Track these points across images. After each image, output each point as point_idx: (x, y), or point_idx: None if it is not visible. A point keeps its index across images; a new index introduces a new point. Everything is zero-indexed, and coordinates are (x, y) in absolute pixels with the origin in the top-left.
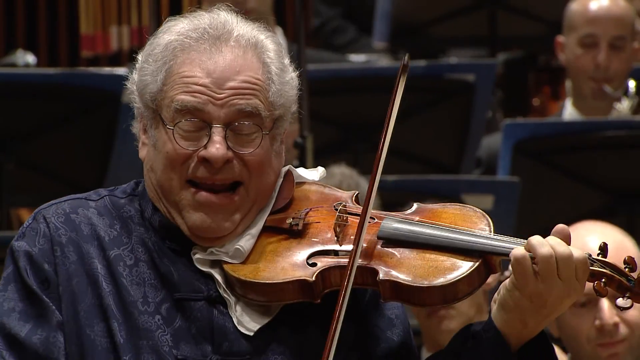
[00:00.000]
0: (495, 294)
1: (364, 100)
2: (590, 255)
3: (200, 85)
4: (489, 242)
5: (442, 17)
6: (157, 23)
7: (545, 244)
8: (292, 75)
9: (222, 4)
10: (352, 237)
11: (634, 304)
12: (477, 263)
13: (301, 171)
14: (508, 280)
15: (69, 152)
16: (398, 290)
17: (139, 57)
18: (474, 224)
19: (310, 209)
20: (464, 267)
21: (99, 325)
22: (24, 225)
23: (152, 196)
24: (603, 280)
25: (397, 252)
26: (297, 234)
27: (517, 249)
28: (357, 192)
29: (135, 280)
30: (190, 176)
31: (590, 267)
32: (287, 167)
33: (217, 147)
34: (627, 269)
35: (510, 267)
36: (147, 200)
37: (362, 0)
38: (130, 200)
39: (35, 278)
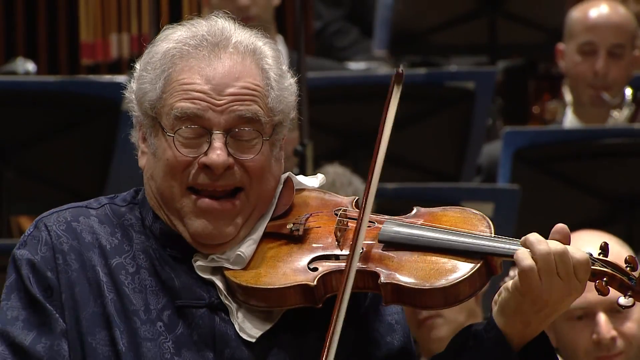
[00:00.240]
0: (496, 295)
1: (364, 108)
2: (591, 254)
3: (199, 92)
4: (490, 243)
5: (442, 24)
6: (157, 30)
7: (543, 242)
8: (290, 81)
9: (220, 11)
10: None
11: (636, 302)
12: (479, 264)
13: (301, 178)
14: (510, 282)
15: (69, 159)
16: (400, 293)
17: (137, 65)
18: (474, 227)
19: (311, 215)
20: (466, 268)
21: (100, 333)
22: (26, 234)
23: (152, 204)
24: (604, 279)
25: (398, 255)
26: (298, 239)
27: (521, 251)
28: (356, 197)
29: (137, 287)
30: (191, 183)
31: (592, 267)
32: (286, 174)
33: (217, 153)
34: (628, 268)
35: (510, 272)
36: (148, 209)
37: (364, 3)
38: (131, 209)
39: (38, 286)
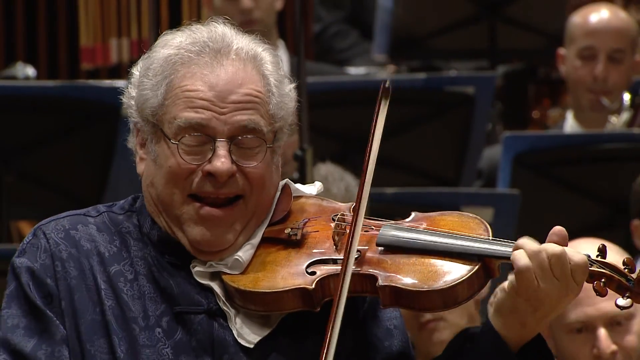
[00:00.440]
0: (492, 296)
1: (364, 113)
2: (589, 256)
3: (203, 99)
4: (488, 245)
5: (442, 29)
6: (157, 35)
7: (536, 244)
8: (290, 87)
9: (219, 17)
10: None
11: (634, 304)
12: (477, 267)
13: (299, 186)
14: (506, 283)
15: (69, 164)
16: (398, 295)
17: (135, 71)
18: (472, 230)
19: (309, 220)
20: (464, 270)
21: (99, 340)
22: (24, 242)
23: (151, 211)
24: (602, 280)
25: (396, 258)
26: (296, 243)
27: (518, 252)
28: (354, 203)
29: (136, 294)
30: (194, 190)
31: (590, 268)
32: (284, 181)
33: (222, 161)
34: (626, 270)
35: (509, 276)
36: (146, 216)
37: (363, 5)
38: (129, 217)
39: (38, 293)
